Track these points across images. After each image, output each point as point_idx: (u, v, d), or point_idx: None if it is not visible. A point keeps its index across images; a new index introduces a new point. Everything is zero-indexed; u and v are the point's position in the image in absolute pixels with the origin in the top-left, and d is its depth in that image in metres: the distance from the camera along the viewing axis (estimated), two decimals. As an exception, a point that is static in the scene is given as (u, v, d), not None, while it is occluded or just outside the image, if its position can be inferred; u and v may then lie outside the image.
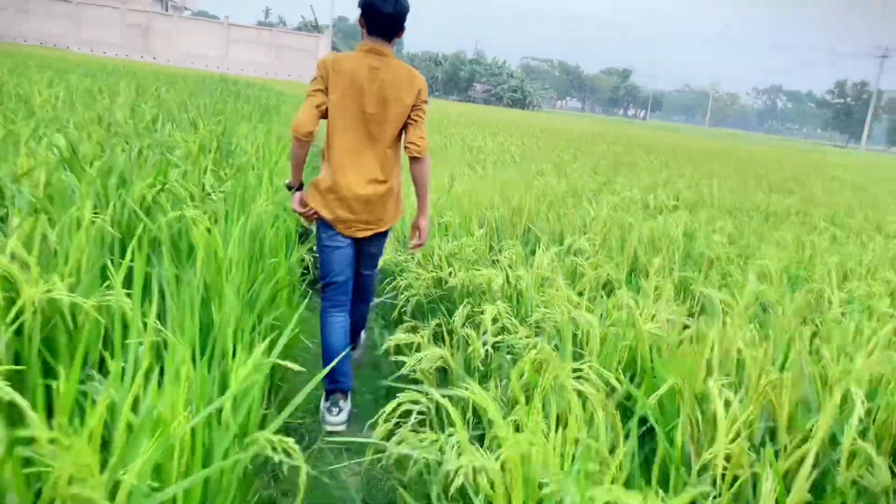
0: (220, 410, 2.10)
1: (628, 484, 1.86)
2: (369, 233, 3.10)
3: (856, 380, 2.07)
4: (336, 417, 3.12)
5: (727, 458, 1.86)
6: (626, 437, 1.97)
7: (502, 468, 1.87)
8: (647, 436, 2.27)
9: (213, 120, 7.26)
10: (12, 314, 1.92)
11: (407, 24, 2.96)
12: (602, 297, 3.34)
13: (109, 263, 2.42)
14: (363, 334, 3.95)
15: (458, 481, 1.98)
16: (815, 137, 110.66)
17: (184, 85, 15.26)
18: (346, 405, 3.17)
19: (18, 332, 2.06)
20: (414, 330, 3.25)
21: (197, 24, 57.02)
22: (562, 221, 5.06)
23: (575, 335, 2.92)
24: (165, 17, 55.57)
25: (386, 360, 3.79)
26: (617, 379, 2.39)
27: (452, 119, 20.43)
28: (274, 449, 2.02)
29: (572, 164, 10.36)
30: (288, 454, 1.81)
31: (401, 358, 2.96)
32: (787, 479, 1.86)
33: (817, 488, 1.93)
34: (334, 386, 3.15)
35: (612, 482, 1.77)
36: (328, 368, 2.41)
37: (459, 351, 2.96)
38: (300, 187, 3.17)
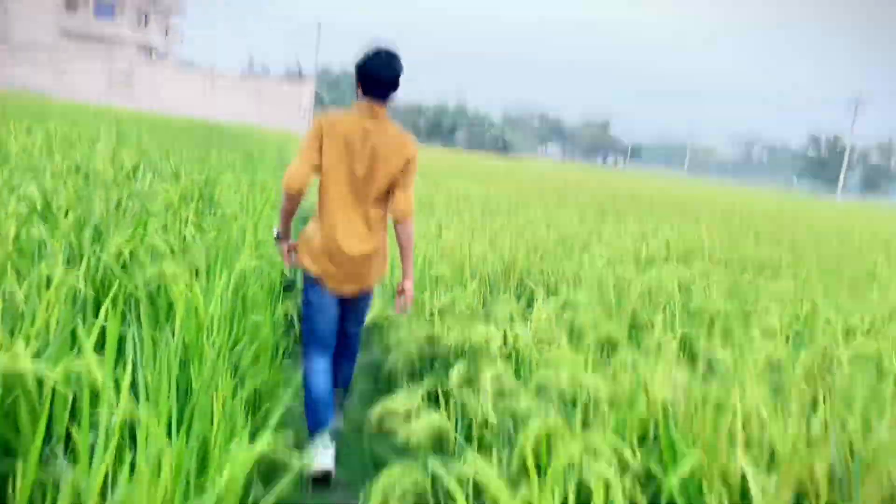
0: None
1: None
2: (356, 290, 3.13)
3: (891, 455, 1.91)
4: (325, 458, 3.01)
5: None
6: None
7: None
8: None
9: (196, 169, 7.11)
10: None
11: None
12: (605, 356, 3.17)
13: (81, 324, 2.23)
14: (344, 402, 3.74)
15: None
16: (791, 186, 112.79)
17: (166, 132, 15.14)
18: (331, 445, 3.08)
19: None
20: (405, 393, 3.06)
21: (181, 72, 57.33)
22: (556, 274, 4.92)
23: (575, 398, 2.75)
24: (149, 64, 55.86)
25: (372, 426, 3.58)
26: (632, 450, 2.21)
27: (437, 167, 20.45)
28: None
29: (559, 212, 10.29)
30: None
31: (391, 425, 2.77)
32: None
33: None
34: (319, 428, 3.09)
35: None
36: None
37: (456, 416, 2.77)
38: (287, 236, 3.22)
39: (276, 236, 3.22)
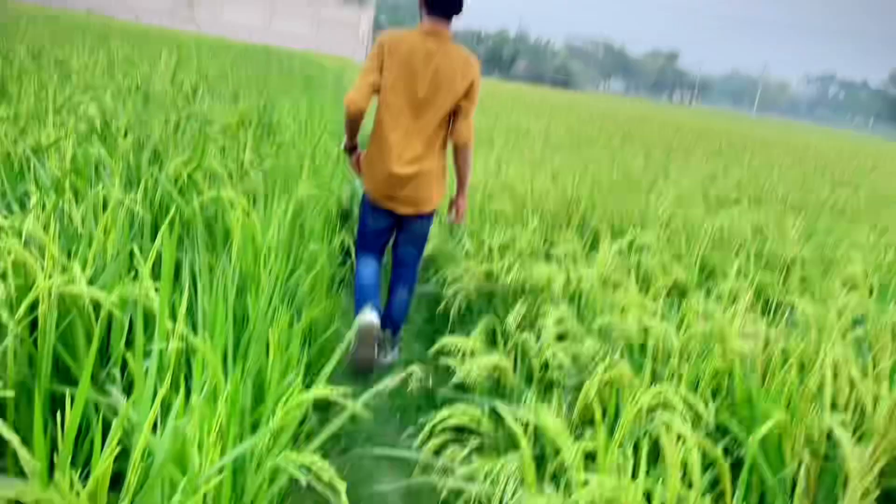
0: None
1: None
2: (410, 211, 3.17)
3: None
4: (371, 317, 3.18)
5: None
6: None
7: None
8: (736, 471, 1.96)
9: (254, 93, 7.02)
10: (23, 308, 1.68)
11: None
12: (674, 302, 3.01)
13: (137, 250, 2.18)
14: (400, 334, 3.70)
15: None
16: (868, 129, 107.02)
17: (226, 55, 15.09)
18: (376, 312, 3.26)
19: (34, 327, 1.83)
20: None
21: (242, -4, 56.91)
22: (621, 212, 4.71)
23: (644, 345, 2.61)
24: (211, -13, 55.57)
25: (430, 363, 3.52)
26: (705, 404, 2.08)
27: (496, 100, 19.99)
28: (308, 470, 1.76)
29: (623, 149, 9.93)
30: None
31: (448, 362, 2.69)
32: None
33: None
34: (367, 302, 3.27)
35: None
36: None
37: (515, 357, 2.67)
38: (355, 147, 3.28)
39: (344, 148, 3.27)
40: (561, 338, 2.73)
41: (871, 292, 3.59)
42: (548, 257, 3.73)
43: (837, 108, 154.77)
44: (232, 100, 5.98)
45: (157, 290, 1.98)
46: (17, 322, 1.62)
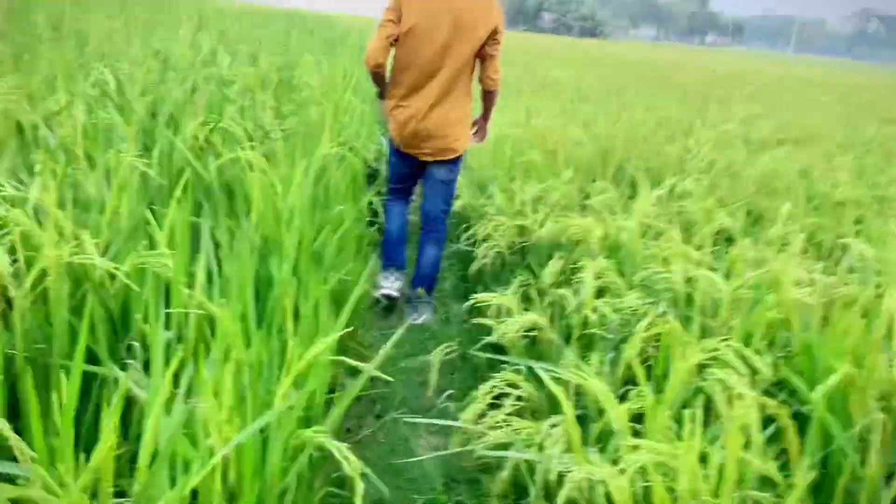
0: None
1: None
2: (431, 157, 3.22)
3: None
4: (390, 287, 3.46)
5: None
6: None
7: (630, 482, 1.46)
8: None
9: (275, 53, 6.87)
10: (30, 280, 1.60)
11: None
12: (722, 251, 2.83)
13: (151, 216, 2.08)
14: (434, 294, 3.61)
15: (565, 491, 1.59)
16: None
17: (249, 19, 14.91)
18: (401, 278, 3.51)
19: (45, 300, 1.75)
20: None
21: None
22: (658, 159, 4.49)
23: (690, 296, 2.45)
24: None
25: (461, 321, 3.41)
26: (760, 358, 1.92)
27: (523, 52, 19.49)
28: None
29: (657, 97, 9.57)
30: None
31: (482, 321, 2.56)
32: None
33: None
34: (390, 262, 3.53)
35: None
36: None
37: (552, 315, 2.54)
38: (386, 95, 3.28)
39: (378, 96, 3.32)
40: (600, 293, 2.59)
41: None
42: (583, 209, 3.56)
43: (878, 44, 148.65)
44: (251, 61, 5.83)
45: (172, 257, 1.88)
46: (25, 295, 1.54)
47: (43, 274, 1.64)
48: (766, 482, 1.42)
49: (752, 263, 2.62)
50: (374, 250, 4.19)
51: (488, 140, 4.75)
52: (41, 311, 1.65)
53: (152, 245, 2.01)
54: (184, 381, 1.37)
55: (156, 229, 2.01)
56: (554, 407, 1.93)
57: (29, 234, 1.78)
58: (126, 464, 1.36)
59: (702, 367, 1.85)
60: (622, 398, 2.03)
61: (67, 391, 1.08)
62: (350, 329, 2.18)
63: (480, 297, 2.53)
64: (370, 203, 4.05)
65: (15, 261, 1.71)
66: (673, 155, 4.62)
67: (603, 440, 1.89)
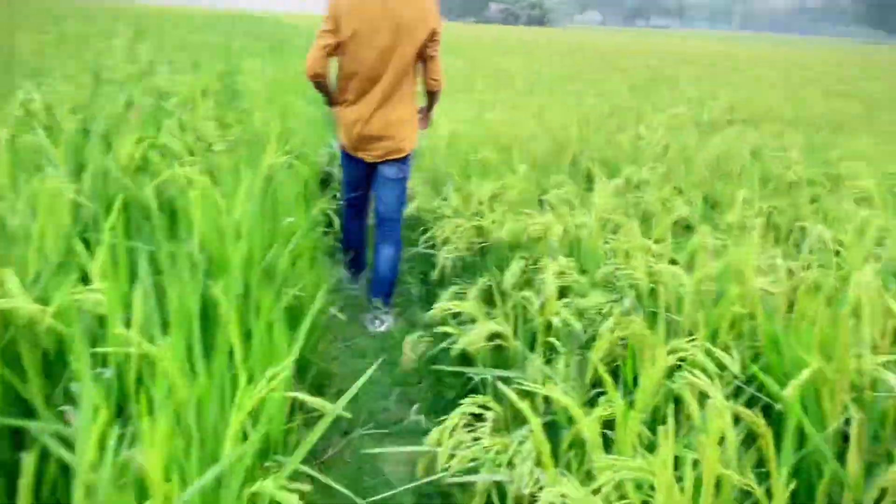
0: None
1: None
2: (380, 158, 3.25)
3: None
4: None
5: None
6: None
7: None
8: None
9: (217, 57, 6.66)
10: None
11: None
12: (682, 241, 2.79)
13: (83, 245, 1.94)
14: (392, 300, 3.52)
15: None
16: (848, 35, 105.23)
17: (190, 24, 14.54)
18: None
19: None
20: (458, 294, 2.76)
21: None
22: (613, 148, 4.45)
23: (654, 290, 2.40)
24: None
25: (425, 327, 3.32)
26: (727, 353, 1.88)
27: (473, 44, 19.43)
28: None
29: (607, 84, 9.59)
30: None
31: (447, 329, 2.48)
32: None
33: None
34: (352, 266, 3.72)
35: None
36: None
37: (516, 318, 2.46)
38: (334, 101, 3.32)
39: (326, 103, 3.36)
40: (563, 292, 2.52)
41: (885, 206, 3.38)
42: (541, 204, 3.50)
43: (817, 18, 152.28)
44: (192, 69, 5.63)
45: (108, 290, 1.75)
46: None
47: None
48: (745, 492, 1.36)
49: (712, 252, 2.59)
50: (331, 259, 4.08)
51: (442, 137, 4.67)
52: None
53: (85, 278, 1.87)
54: (116, 433, 1.25)
55: (88, 260, 1.87)
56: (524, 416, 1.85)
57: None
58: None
59: (672, 368, 1.80)
60: (593, 402, 1.97)
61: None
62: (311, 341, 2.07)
63: (442, 305, 2.44)
64: (325, 209, 3.92)
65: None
66: (626, 143, 4.59)
67: (575, 447, 1.83)
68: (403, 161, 3.29)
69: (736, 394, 1.91)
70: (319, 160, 4.79)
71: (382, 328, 3.42)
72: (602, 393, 1.88)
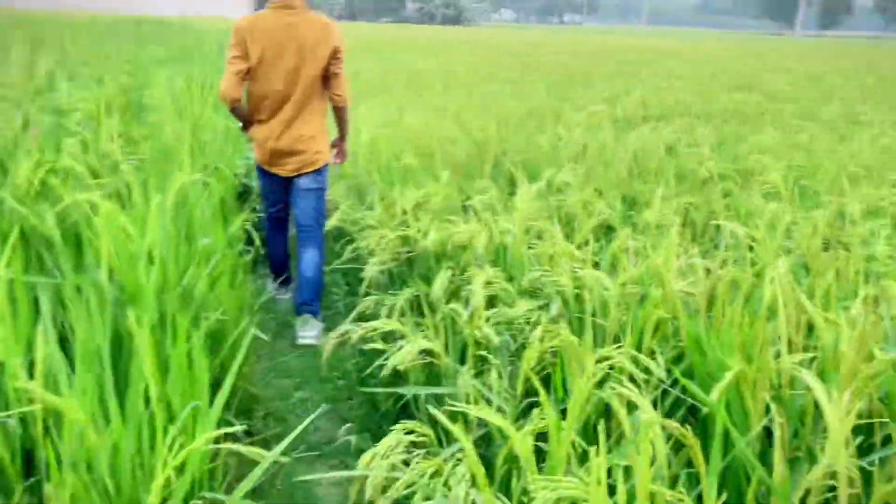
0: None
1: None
2: (297, 171, 3.35)
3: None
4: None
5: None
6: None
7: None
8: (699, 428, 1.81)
9: (123, 69, 6.38)
10: None
11: None
12: (603, 244, 2.83)
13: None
14: (319, 308, 3.47)
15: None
16: (751, 27, 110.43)
17: (93, 32, 13.90)
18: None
19: None
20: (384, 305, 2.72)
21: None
22: (532, 150, 4.49)
23: (579, 296, 2.42)
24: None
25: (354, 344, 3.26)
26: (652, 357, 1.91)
27: (389, 44, 19.36)
28: None
29: (523, 83, 9.71)
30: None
31: (376, 346, 2.43)
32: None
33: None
34: (278, 271, 3.84)
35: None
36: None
37: (446, 330, 2.44)
38: (249, 125, 3.41)
39: (242, 129, 3.49)
40: (492, 301, 2.52)
41: (792, 197, 3.53)
42: (465, 210, 3.49)
43: (720, 11, 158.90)
44: (96, 83, 5.37)
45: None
46: None
47: None
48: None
49: (633, 254, 2.64)
50: (254, 275, 3.96)
51: (363, 144, 4.61)
52: None
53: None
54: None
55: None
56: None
57: None
58: None
59: (601, 378, 1.81)
60: (526, 412, 1.97)
61: None
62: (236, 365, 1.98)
63: (369, 325, 2.39)
64: (245, 225, 3.80)
65: None
66: (546, 144, 4.64)
67: (510, 462, 1.82)
68: (318, 172, 3.40)
69: (664, 396, 1.94)
70: (237, 172, 4.65)
71: (312, 335, 3.38)
72: (535, 402, 1.88)
